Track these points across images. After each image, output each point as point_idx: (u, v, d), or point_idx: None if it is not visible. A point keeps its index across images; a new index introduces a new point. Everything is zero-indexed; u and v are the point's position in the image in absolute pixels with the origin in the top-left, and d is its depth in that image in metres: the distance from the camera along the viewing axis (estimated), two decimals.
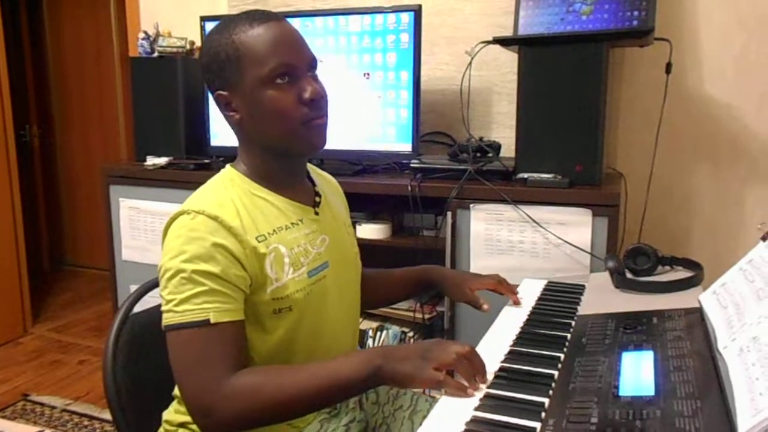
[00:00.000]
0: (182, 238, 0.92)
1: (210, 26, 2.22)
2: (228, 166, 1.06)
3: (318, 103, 1.00)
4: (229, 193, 1.00)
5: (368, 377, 0.89)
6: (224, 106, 1.02)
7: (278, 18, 1.00)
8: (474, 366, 0.89)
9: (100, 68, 4.00)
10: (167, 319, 0.91)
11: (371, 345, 2.01)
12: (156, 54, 2.39)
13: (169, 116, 2.35)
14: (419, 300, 1.93)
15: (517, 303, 1.24)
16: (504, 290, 1.26)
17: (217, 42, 0.99)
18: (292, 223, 1.03)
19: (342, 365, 0.90)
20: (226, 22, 1.00)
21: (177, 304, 0.90)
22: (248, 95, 0.98)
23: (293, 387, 0.89)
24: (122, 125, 3.95)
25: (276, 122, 0.98)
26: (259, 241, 0.97)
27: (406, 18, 1.98)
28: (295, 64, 0.98)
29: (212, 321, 0.89)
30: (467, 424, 0.79)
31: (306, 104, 0.98)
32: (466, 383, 0.87)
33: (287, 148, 1.02)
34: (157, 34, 2.40)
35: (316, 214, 1.09)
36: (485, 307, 1.23)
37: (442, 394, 0.87)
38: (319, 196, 1.11)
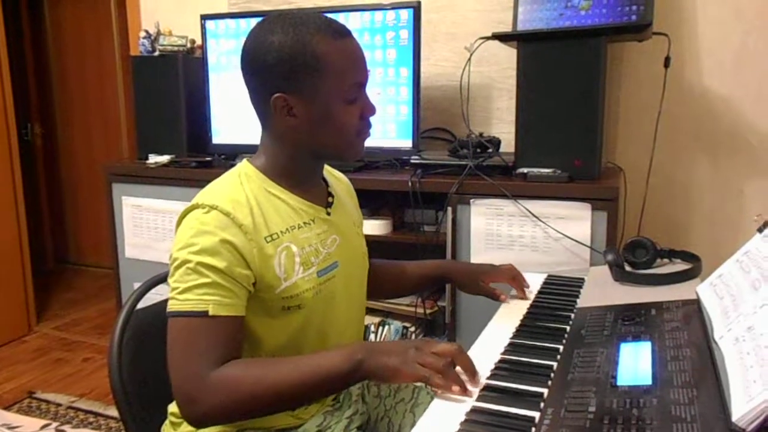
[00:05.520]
0: (193, 231, 0.94)
1: (211, 25, 2.25)
2: (244, 160, 1.07)
3: (371, 119, 1.06)
4: (245, 189, 1.01)
5: (350, 371, 0.89)
6: (282, 109, 0.99)
7: (351, 33, 1.02)
8: (461, 363, 0.89)
9: (101, 67, 4.02)
10: (169, 306, 0.93)
11: (374, 340, 2.02)
12: (157, 53, 2.40)
13: (170, 114, 2.36)
14: (420, 295, 1.95)
15: (523, 298, 1.26)
16: (516, 287, 1.28)
17: (288, 45, 0.96)
18: (304, 223, 1.05)
19: (324, 359, 0.91)
20: (293, 23, 0.97)
21: (180, 293, 0.92)
22: (319, 105, 0.99)
23: (274, 380, 0.90)
24: (124, 123, 3.97)
25: (337, 133, 1.02)
26: (267, 242, 0.98)
27: (406, 15, 1.99)
28: (364, 82, 1.04)
29: (211, 313, 0.91)
30: (467, 414, 0.81)
31: (364, 119, 1.04)
32: (452, 381, 0.87)
33: (336, 155, 1.06)
34: (158, 33, 2.41)
35: (328, 214, 1.10)
36: (503, 297, 1.26)
37: (433, 390, 0.87)
38: (332, 197, 1.13)
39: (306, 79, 0.97)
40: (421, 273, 1.36)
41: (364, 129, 1.06)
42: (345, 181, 1.28)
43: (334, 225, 1.10)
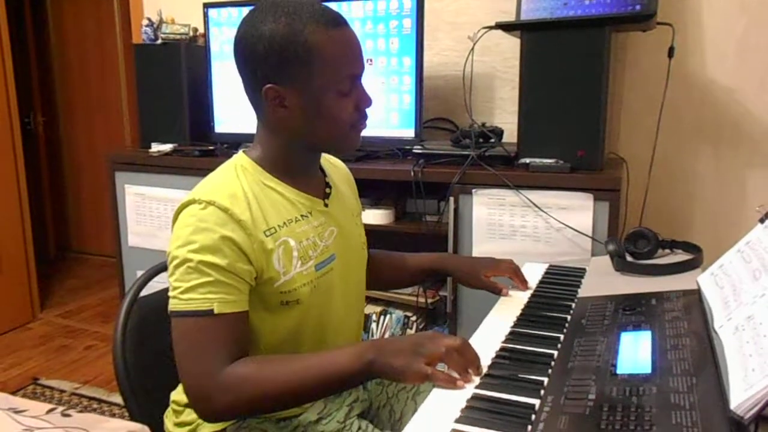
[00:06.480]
0: (191, 228, 0.93)
1: (214, 13, 2.24)
2: (240, 152, 1.06)
3: (367, 111, 1.04)
4: (241, 182, 0.99)
5: (360, 371, 0.89)
6: (273, 100, 0.97)
7: (347, 22, 0.99)
8: (465, 358, 0.89)
9: (103, 56, 4.01)
10: (172, 306, 0.93)
11: (375, 329, 2.03)
12: (160, 41, 2.40)
13: (173, 103, 2.36)
14: (422, 285, 1.95)
15: (524, 290, 1.26)
16: (517, 281, 1.28)
17: (281, 35, 0.94)
18: (301, 216, 1.04)
19: (335, 358, 0.91)
20: (285, 12, 0.95)
21: (182, 292, 0.92)
22: (311, 97, 0.97)
23: (286, 378, 0.91)
24: (126, 112, 3.97)
25: (330, 126, 1.00)
26: (266, 236, 0.97)
27: (409, 3, 1.98)
28: (359, 74, 1.01)
29: (216, 312, 0.91)
30: (468, 401, 0.82)
31: (360, 111, 1.02)
32: (457, 375, 0.87)
33: (330, 147, 1.06)
34: (161, 21, 2.41)
35: (326, 206, 1.09)
36: (504, 291, 1.25)
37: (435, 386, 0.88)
38: (330, 188, 1.12)
39: (298, 71, 0.95)
40: (420, 266, 1.35)
41: (360, 121, 1.03)
42: (343, 169, 1.26)
43: (332, 216, 1.09)
